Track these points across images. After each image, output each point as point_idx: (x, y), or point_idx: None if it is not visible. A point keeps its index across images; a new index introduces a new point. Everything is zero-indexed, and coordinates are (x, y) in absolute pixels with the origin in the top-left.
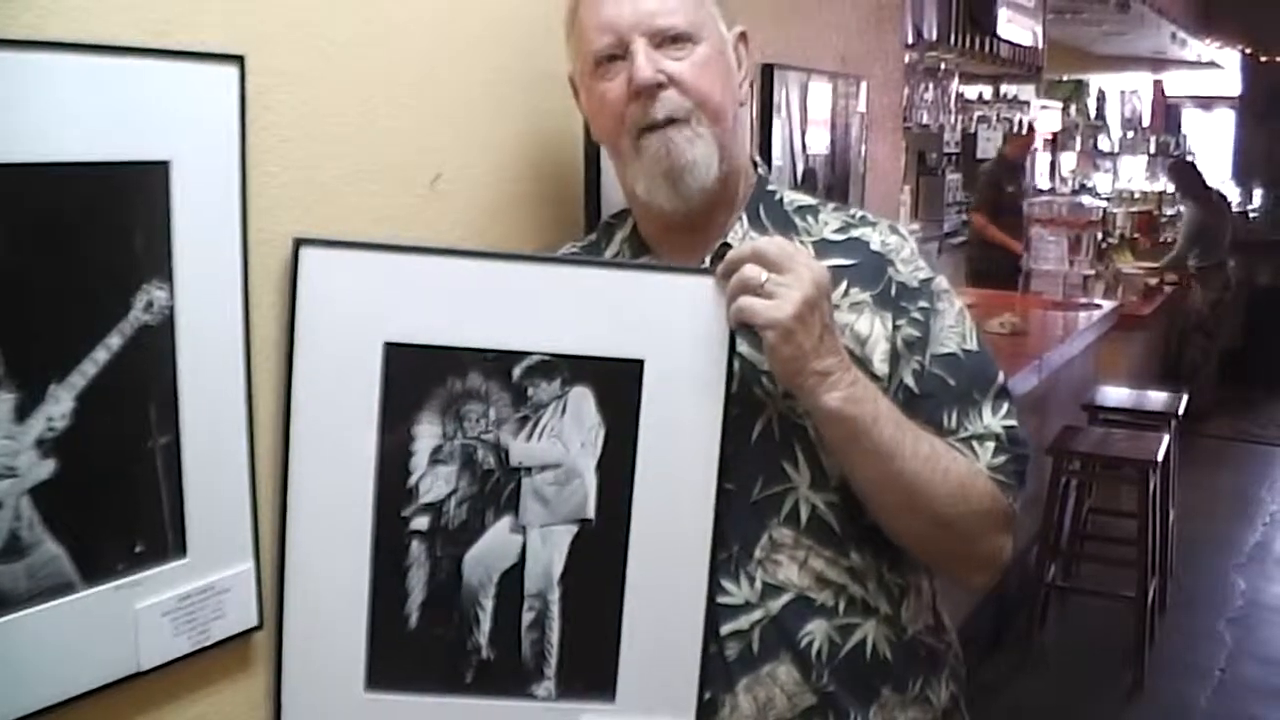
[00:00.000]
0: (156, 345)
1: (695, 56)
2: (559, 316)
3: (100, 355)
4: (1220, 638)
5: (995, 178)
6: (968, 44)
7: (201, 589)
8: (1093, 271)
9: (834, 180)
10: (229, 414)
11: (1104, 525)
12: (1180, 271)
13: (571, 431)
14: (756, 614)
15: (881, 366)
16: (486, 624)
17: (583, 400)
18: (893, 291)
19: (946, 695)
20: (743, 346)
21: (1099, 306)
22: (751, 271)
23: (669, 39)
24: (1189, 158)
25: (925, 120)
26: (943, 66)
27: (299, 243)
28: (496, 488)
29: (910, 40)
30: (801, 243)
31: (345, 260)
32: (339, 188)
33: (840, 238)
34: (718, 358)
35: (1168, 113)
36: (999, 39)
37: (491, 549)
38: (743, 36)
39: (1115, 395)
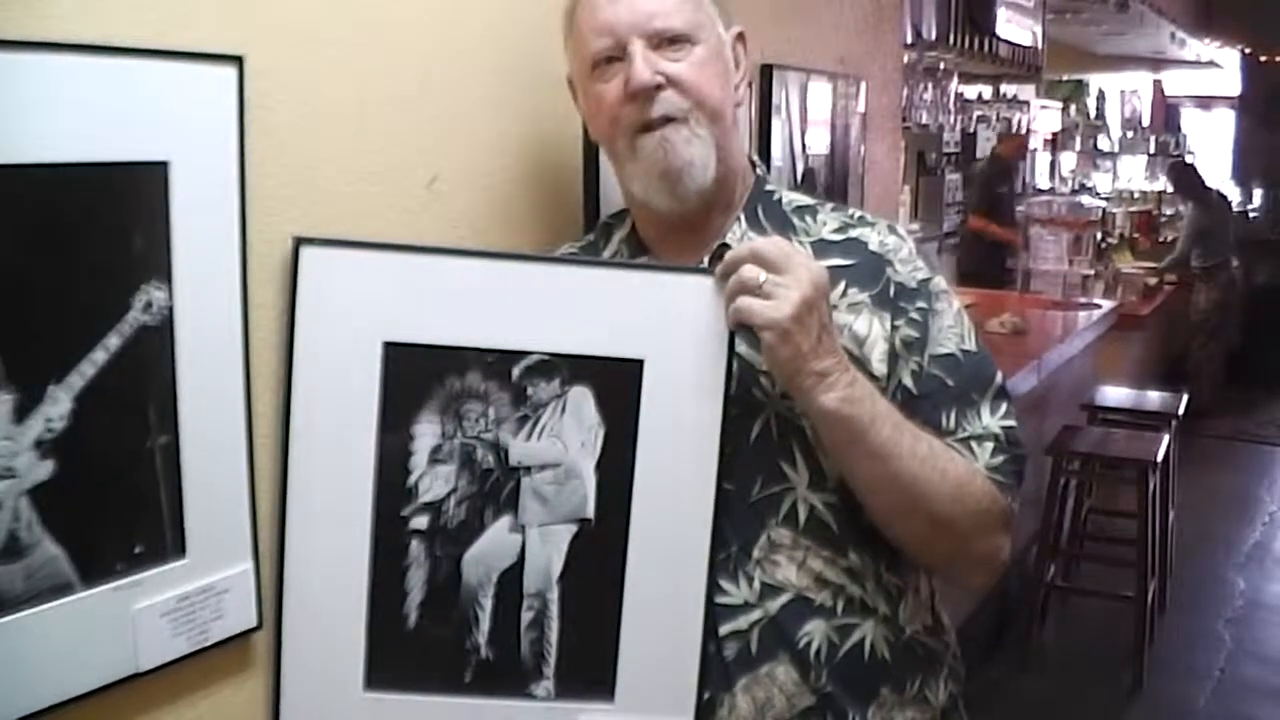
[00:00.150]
0: (155, 346)
1: (693, 57)
2: (558, 316)
3: (99, 356)
4: (1219, 638)
5: (987, 178)
6: (967, 44)
7: (201, 589)
8: (1092, 271)
9: (833, 180)
10: (228, 414)
11: (1103, 525)
12: (1181, 272)
13: (571, 431)
14: (755, 614)
15: (880, 367)
16: (485, 623)
17: (582, 400)
18: (891, 292)
19: (945, 695)
20: (741, 347)
21: (1098, 306)
22: (750, 272)
23: (666, 40)
24: (1188, 158)
25: (924, 120)
26: (942, 66)
27: (299, 242)
28: (496, 487)
29: (909, 40)
30: (800, 243)
31: (345, 260)
32: (338, 188)
33: (839, 238)
34: (717, 358)
35: (1167, 112)
36: (998, 39)
37: (491, 548)
38: (740, 37)
39: (1115, 395)
